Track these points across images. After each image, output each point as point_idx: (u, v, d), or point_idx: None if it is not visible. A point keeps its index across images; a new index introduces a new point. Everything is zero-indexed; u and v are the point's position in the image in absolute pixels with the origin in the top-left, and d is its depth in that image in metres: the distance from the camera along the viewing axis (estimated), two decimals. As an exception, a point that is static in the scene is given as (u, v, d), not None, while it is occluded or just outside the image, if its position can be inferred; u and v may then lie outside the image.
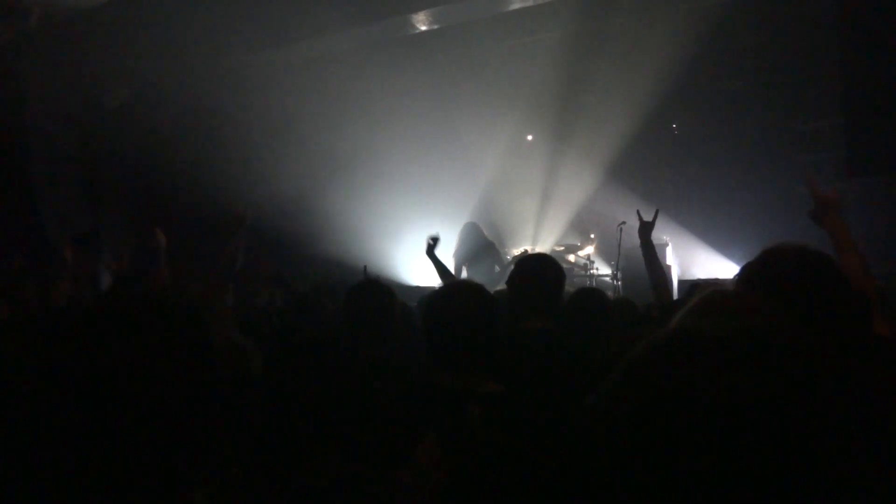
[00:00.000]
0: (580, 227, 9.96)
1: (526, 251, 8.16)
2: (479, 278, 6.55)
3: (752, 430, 0.84)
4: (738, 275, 1.99)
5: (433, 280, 7.17)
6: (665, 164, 9.62)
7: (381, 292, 3.11)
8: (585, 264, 9.33)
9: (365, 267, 5.50)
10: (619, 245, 8.21)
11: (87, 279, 4.65)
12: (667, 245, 8.70)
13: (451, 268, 7.50)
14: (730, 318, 1.25)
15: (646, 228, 4.09)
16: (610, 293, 8.49)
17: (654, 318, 3.73)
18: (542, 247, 9.92)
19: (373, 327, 2.98)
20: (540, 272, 3.09)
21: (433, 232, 5.00)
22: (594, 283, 9.00)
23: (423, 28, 9.47)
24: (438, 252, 5.02)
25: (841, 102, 7.57)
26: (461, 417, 2.04)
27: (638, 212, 4.31)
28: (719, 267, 8.82)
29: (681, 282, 8.28)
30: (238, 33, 8.56)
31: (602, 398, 1.00)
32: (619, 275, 8.50)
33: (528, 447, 1.98)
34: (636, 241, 4.24)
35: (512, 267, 3.53)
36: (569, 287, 7.99)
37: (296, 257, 9.43)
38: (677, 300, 4.54)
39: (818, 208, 2.80)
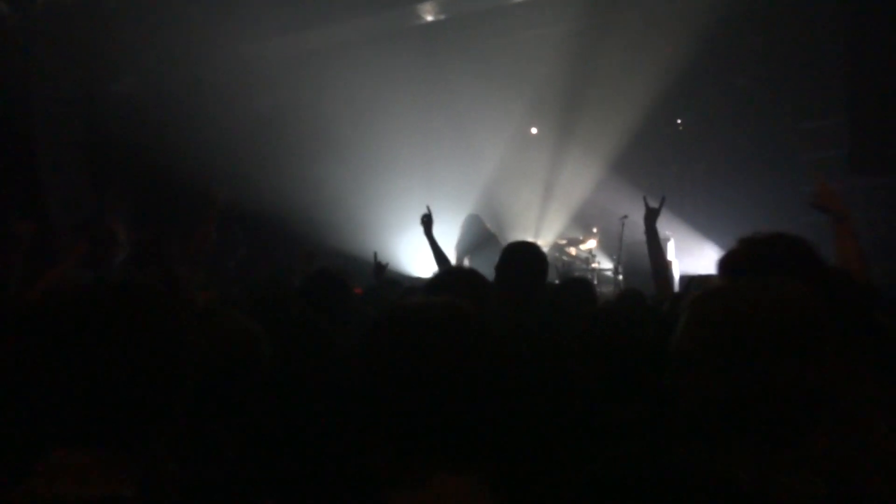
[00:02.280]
0: (582, 220, 9.99)
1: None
2: (480, 270, 6.56)
3: None
4: (720, 263, 2.06)
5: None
6: (669, 160, 9.65)
7: (334, 281, 3.28)
8: (587, 258, 9.36)
9: (375, 254, 5.52)
10: (621, 239, 8.24)
11: (88, 265, 4.66)
12: (669, 240, 8.71)
13: (453, 259, 7.57)
14: None
15: (651, 215, 4.02)
16: (611, 287, 8.55)
17: (664, 310, 3.77)
18: (544, 239, 9.94)
19: (329, 313, 3.11)
20: (521, 261, 3.14)
21: (424, 211, 4.94)
22: (595, 277, 9.05)
23: (430, 18, 9.50)
24: (440, 245, 5.01)
25: (844, 101, 7.58)
26: None
27: (644, 198, 4.20)
28: (721, 263, 8.79)
29: (682, 277, 8.29)
30: (243, 23, 8.57)
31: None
32: (620, 269, 8.54)
33: (522, 428, 2.01)
34: (638, 235, 4.23)
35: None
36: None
37: (299, 246, 9.44)
38: (677, 293, 4.58)
39: (826, 197, 2.92)
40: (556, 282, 8.44)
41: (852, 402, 1.27)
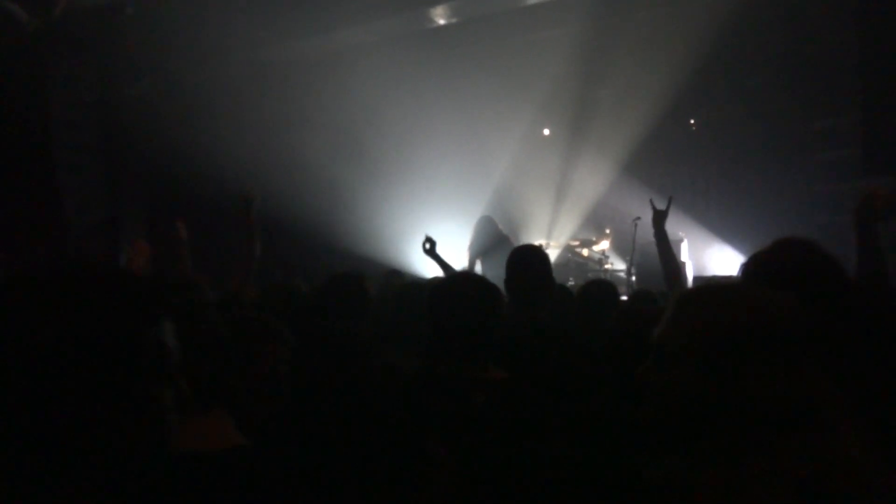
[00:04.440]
0: (595, 221, 9.95)
1: (541, 245, 8.15)
2: (493, 271, 6.58)
3: None
4: (746, 263, 2.10)
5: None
6: (682, 160, 9.58)
7: (353, 281, 3.37)
8: (600, 259, 9.36)
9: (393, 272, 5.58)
10: (634, 240, 8.20)
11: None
12: (682, 241, 8.65)
13: (466, 260, 7.56)
14: None
15: (659, 217, 3.92)
16: (624, 288, 8.50)
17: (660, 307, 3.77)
18: (557, 241, 9.94)
19: (348, 312, 3.24)
20: (527, 265, 3.14)
21: (428, 234, 4.99)
22: (608, 278, 9.00)
23: (442, 22, 9.47)
24: (452, 245, 5.06)
25: (858, 100, 7.50)
26: (467, 404, 2.08)
27: (651, 201, 4.14)
28: (735, 264, 8.76)
29: (696, 278, 8.25)
30: (260, 27, 8.59)
31: None
32: (633, 270, 8.50)
33: (532, 432, 2.04)
34: (651, 236, 4.15)
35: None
36: (582, 282, 8.06)
37: (313, 248, 9.46)
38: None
39: (870, 208, 2.74)
40: (571, 282, 8.44)
41: (827, 417, 1.25)
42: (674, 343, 1.34)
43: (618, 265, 9.43)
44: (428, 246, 4.89)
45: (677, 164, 9.56)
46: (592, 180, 9.82)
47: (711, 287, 1.42)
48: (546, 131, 10.59)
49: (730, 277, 5.77)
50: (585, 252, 9.51)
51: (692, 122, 9.74)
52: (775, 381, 1.24)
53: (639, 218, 7.96)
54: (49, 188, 8.51)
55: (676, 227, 8.07)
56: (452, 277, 2.52)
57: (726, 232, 9.02)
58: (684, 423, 1.33)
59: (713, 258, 9.17)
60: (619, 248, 9.45)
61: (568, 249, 9.55)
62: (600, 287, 4.02)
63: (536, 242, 8.90)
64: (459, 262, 7.94)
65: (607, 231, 9.60)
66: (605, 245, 9.48)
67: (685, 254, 8.69)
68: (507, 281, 3.13)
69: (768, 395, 1.24)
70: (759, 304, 1.31)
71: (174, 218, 4.37)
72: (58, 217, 8.40)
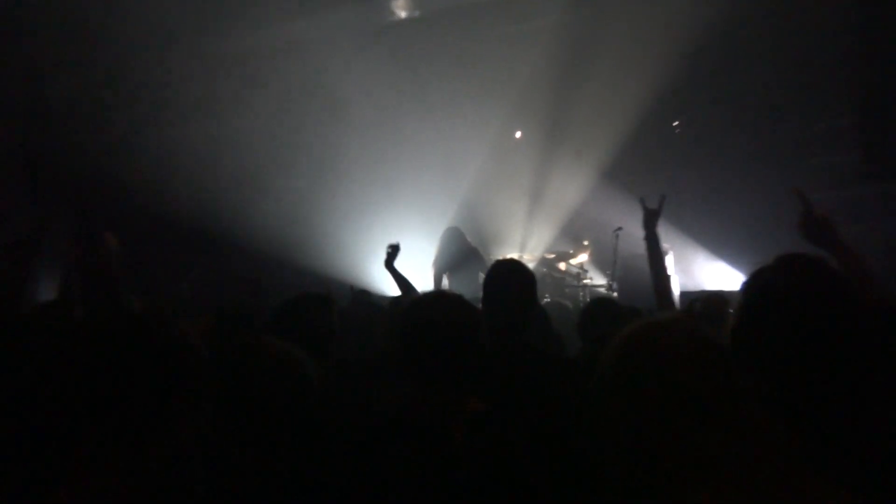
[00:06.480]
0: (573, 232, 9.91)
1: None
2: (462, 288, 6.49)
3: None
4: (747, 282, 2.06)
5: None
6: (666, 166, 9.56)
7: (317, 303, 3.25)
8: (578, 273, 9.31)
9: (352, 287, 5.63)
10: (616, 252, 8.21)
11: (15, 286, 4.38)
12: (668, 253, 8.60)
13: (432, 276, 7.43)
14: None
15: (651, 218, 3.64)
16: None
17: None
18: (532, 254, 9.95)
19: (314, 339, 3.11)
20: (506, 284, 3.05)
21: (393, 241, 5.00)
22: (587, 294, 9.03)
23: (403, 15, 9.47)
24: (416, 260, 4.97)
25: (857, 103, 7.57)
26: (446, 437, 2.06)
27: (641, 199, 3.84)
28: (724, 277, 8.86)
29: (683, 293, 8.21)
30: (201, 16, 8.43)
31: None
32: (614, 285, 8.49)
33: (514, 464, 2.04)
34: (633, 248, 3.96)
35: None
36: (560, 298, 7.93)
37: (269, 264, 9.33)
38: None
39: (812, 226, 2.72)
40: (546, 299, 8.33)
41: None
42: (612, 382, 1.54)
43: (597, 280, 9.40)
44: (391, 251, 4.91)
45: (661, 170, 9.55)
46: (569, 188, 9.81)
47: (652, 332, 1.55)
48: (518, 134, 10.57)
49: (719, 293, 5.64)
50: (562, 266, 9.46)
51: (676, 124, 9.74)
52: (691, 436, 1.40)
53: (620, 228, 7.99)
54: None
55: (661, 238, 8.02)
56: (427, 297, 2.42)
57: (715, 243, 9.07)
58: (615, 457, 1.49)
59: (701, 272, 9.19)
60: (599, 262, 9.44)
61: (543, 263, 9.52)
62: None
63: (509, 256, 8.83)
64: (425, 278, 7.81)
65: (585, 243, 9.55)
66: (583, 258, 9.43)
67: (671, 267, 8.66)
68: (485, 300, 3.01)
69: (680, 448, 1.40)
70: (691, 359, 1.48)
71: (103, 229, 4.12)
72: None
